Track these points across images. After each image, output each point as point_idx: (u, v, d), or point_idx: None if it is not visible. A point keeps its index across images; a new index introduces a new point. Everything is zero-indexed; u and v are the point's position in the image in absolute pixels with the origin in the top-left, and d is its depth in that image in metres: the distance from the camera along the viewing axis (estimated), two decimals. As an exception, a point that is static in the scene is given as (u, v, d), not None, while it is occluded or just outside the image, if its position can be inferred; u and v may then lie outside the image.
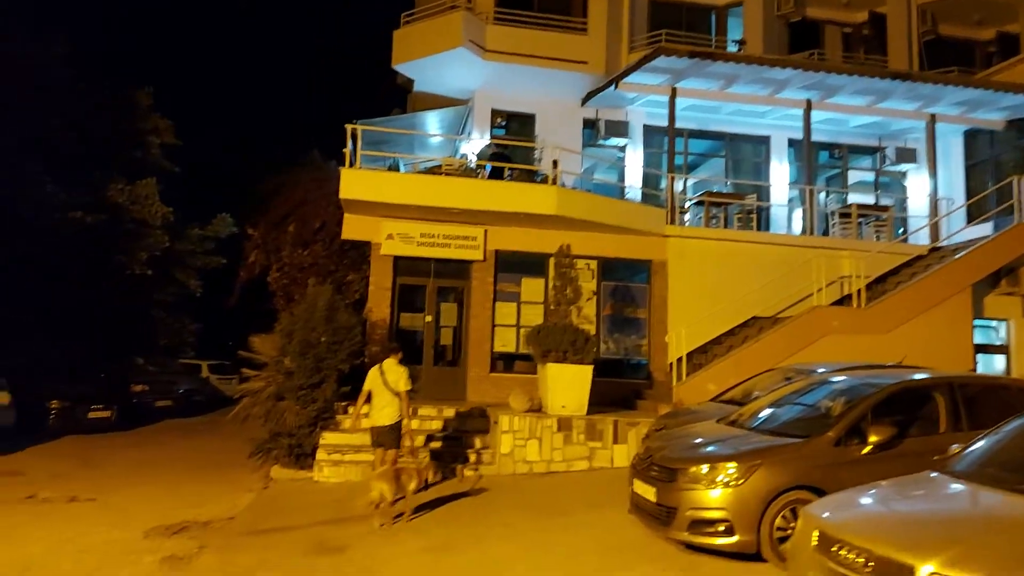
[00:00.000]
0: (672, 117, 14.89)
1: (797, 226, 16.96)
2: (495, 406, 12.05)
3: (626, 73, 14.36)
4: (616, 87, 14.80)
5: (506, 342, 13.92)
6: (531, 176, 13.34)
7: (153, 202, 20.01)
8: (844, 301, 13.91)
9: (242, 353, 11.53)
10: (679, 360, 12.32)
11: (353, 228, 13.53)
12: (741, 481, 5.79)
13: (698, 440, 6.71)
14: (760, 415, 7.11)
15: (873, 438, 5.89)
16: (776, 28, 17.08)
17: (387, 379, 8.32)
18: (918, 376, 6.92)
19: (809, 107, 15.20)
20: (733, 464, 5.87)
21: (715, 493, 5.86)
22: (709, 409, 9.60)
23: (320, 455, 10.27)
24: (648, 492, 6.33)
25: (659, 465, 6.33)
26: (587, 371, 10.75)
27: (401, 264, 13.62)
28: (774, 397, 7.56)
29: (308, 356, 10.57)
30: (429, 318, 13.70)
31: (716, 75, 14.29)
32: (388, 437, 8.31)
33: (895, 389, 6.40)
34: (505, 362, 13.95)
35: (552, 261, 13.89)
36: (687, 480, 5.98)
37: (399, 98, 23.34)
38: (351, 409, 11.16)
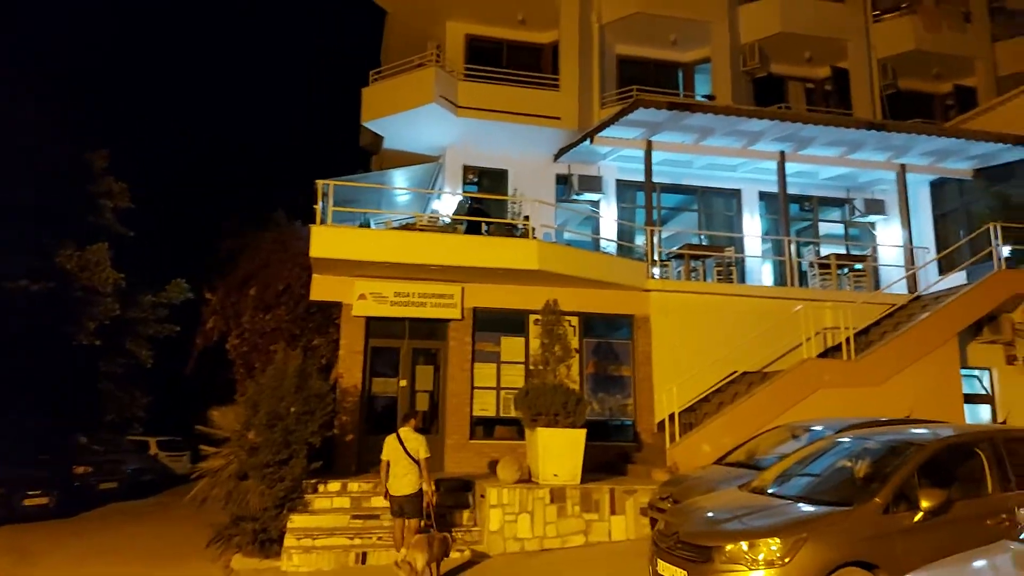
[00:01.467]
0: (648, 170, 14.71)
1: (769, 278, 16.82)
2: (478, 476, 11.20)
3: (602, 127, 14.17)
4: (591, 141, 14.59)
5: (486, 406, 13.14)
6: (510, 231, 12.84)
7: (104, 268, 18.92)
8: (829, 353, 13.58)
9: (200, 428, 10.51)
10: (671, 420, 11.68)
11: (322, 289, 12.76)
12: (787, 559, 5.11)
13: (725, 512, 6.02)
14: (784, 480, 6.49)
15: (925, 503, 5.30)
16: (743, 84, 17.26)
17: (407, 447, 8.38)
18: (955, 432, 6.40)
19: (783, 159, 15.19)
20: (776, 540, 5.20)
21: (758, 575, 5.16)
22: (714, 474, 8.95)
23: (288, 541, 9.23)
24: (677, 574, 5.59)
25: (689, 543, 5.61)
26: (580, 435, 10.03)
27: (374, 325, 12.85)
28: (794, 459, 6.96)
29: (276, 429, 9.64)
30: (404, 382, 12.86)
31: (691, 128, 14.19)
32: (412, 506, 8.39)
33: (940, 446, 5.87)
34: (485, 427, 13.13)
35: (532, 319, 13.34)
36: (724, 560, 5.27)
37: (363, 158, 22.98)
38: (322, 487, 10.24)
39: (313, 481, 10.27)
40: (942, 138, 14.46)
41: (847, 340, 12.59)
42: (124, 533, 12.66)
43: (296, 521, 9.54)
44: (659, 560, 5.91)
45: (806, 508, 5.58)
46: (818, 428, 9.26)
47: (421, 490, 8.34)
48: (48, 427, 16.94)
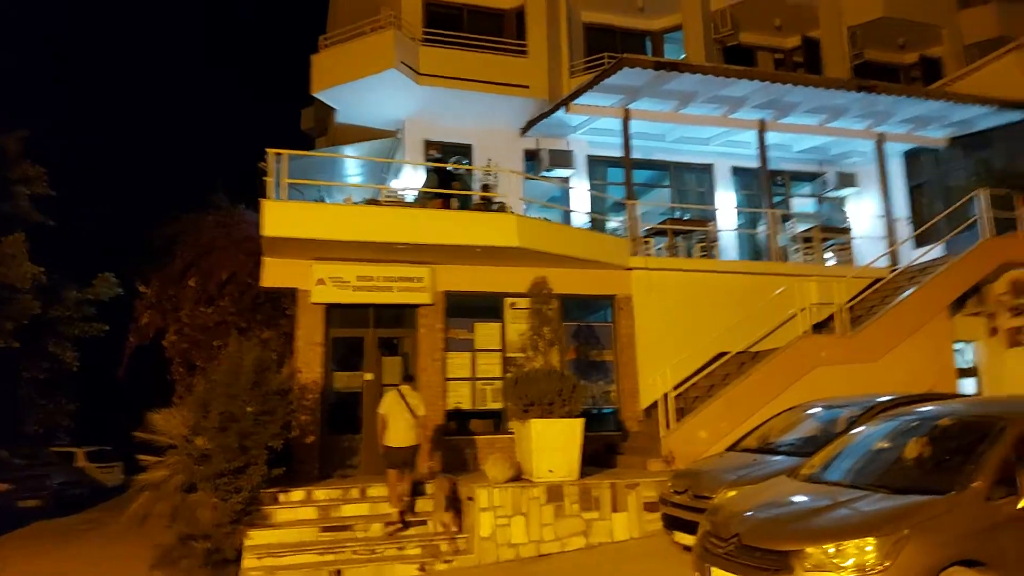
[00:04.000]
0: (627, 139, 13.78)
1: (745, 255, 16.17)
2: (460, 476, 10.09)
3: (578, 93, 13.14)
4: (567, 110, 13.56)
5: (461, 398, 12.02)
6: (485, 205, 11.71)
7: (21, 262, 16.91)
8: (817, 330, 12.95)
9: (139, 435, 9.06)
10: (665, 405, 10.81)
11: (275, 274, 11.36)
12: (886, 563, 4.19)
13: (790, 507, 5.10)
14: (842, 466, 5.62)
15: (1032, 487, 4.47)
16: (714, 53, 16.51)
17: (409, 403, 8.97)
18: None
19: (763, 127, 14.49)
20: (870, 540, 4.27)
21: (849, 585, 4.23)
22: (731, 462, 8.11)
23: (248, 561, 7.94)
24: (742, 587, 4.62)
25: (756, 548, 4.65)
26: (578, 426, 9.04)
27: (334, 314, 11.55)
28: (844, 442, 6.11)
29: (230, 432, 8.32)
30: (370, 376, 11.59)
31: (672, 94, 13.31)
32: (412, 457, 8.95)
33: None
34: (459, 422, 12.01)
35: (508, 302, 12.33)
36: (809, 568, 4.32)
37: (306, 144, 21.28)
38: (283, 497, 8.99)
39: (273, 490, 8.97)
40: (926, 102, 13.97)
41: (840, 315, 11.96)
42: (50, 557, 11.07)
43: (255, 537, 8.25)
44: (714, 569, 4.94)
45: (894, 499, 4.68)
46: (836, 408, 8.52)
47: (418, 445, 8.95)
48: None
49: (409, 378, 9.61)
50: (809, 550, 4.38)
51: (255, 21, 50.13)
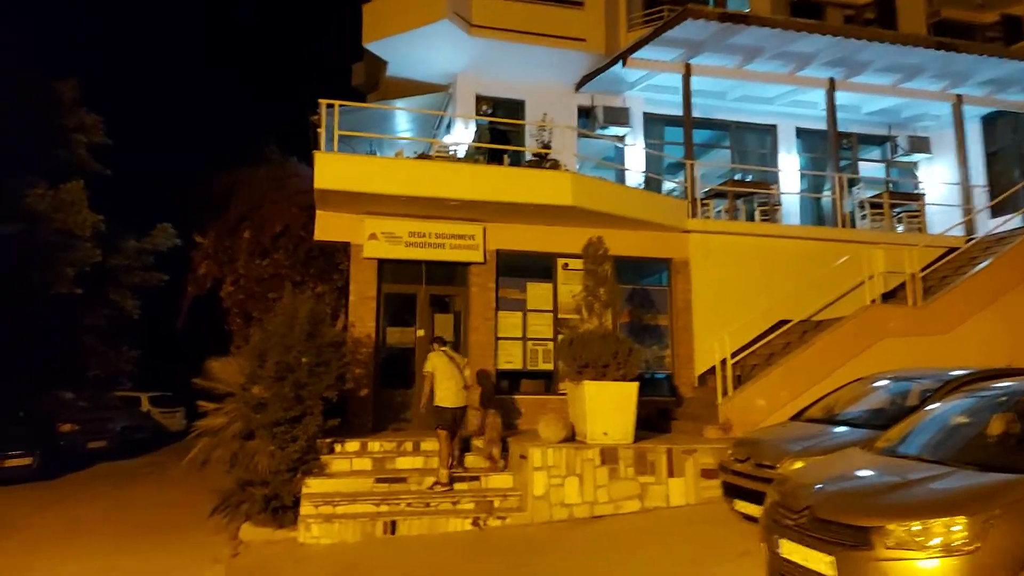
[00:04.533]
0: (687, 96, 13.30)
1: (808, 220, 15.59)
2: (510, 434, 10.08)
3: (638, 46, 12.67)
4: (624, 64, 13.10)
5: (512, 358, 11.95)
6: (538, 163, 11.45)
7: (80, 209, 17.30)
8: (885, 300, 12.45)
9: (198, 382, 9.22)
10: (723, 372, 10.55)
11: (328, 228, 11.37)
12: (976, 544, 3.96)
13: (868, 481, 4.88)
14: (923, 440, 5.36)
15: None
16: (781, 5, 15.71)
17: (458, 363, 8.99)
18: None
19: (832, 86, 13.82)
20: (961, 519, 4.04)
21: (931, 565, 4.02)
22: (795, 431, 7.86)
23: (306, 508, 8.07)
24: (817, 562, 4.45)
25: (832, 522, 4.45)
26: (633, 389, 8.88)
27: (387, 269, 11.53)
28: (922, 415, 5.83)
29: (286, 382, 8.39)
30: (421, 332, 11.60)
31: (736, 49, 12.75)
32: (463, 417, 9.13)
33: None
34: (510, 381, 11.98)
35: (560, 263, 12.16)
36: (891, 546, 4.11)
37: (358, 98, 21.17)
38: (339, 448, 9.08)
39: (329, 441, 9.07)
40: (1009, 62, 13.15)
41: (911, 284, 11.44)
42: (115, 499, 11.49)
43: (313, 486, 8.37)
44: (783, 541, 4.77)
45: (982, 477, 4.42)
46: (908, 380, 8.18)
47: (467, 406, 9.17)
48: (28, 382, 15.62)
49: (445, 341, 9.29)
50: (891, 527, 4.16)
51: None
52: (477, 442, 9.55)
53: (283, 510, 8.24)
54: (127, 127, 22.29)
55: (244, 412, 8.62)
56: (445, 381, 8.76)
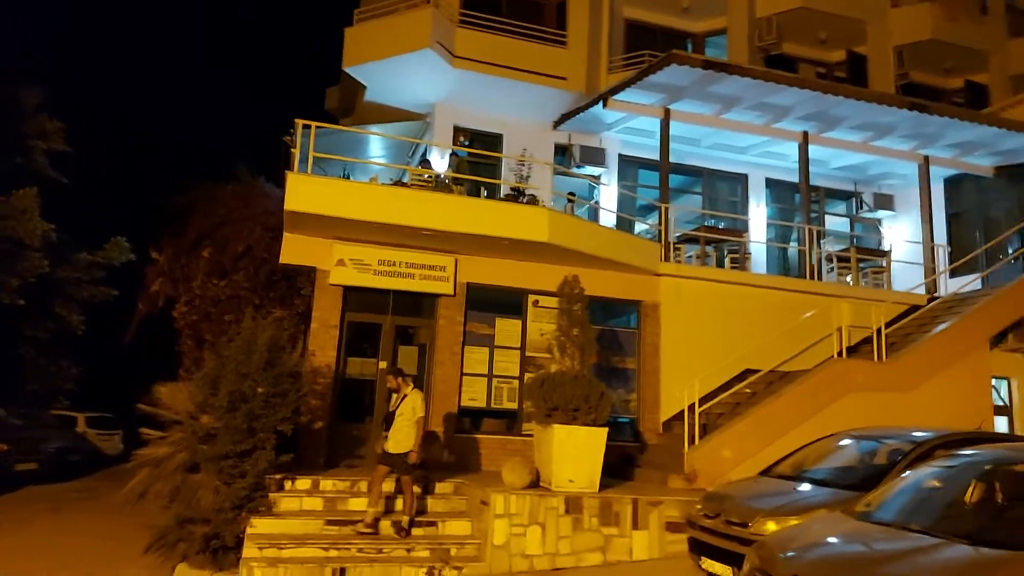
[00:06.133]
0: (665, 140, 13.33)
1: (774, 270, 15.71)
2: (470, 476, 9.70)
3: (619, 88, 12.69)
4: (604, 104, 13.10)
5: (476, 395, 11.57)
6: (516, 197, 11.27)
7: (32, 217, 16.51)
8: (848, 354, 12.48)
9: (143, 407, 8.66)
10: (690, 420, 10.38)
11: (294, 251, 10.97)
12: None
13: (853, 549, 4.66)
14: (902, 505, 5.19)
15: None
16: (757, 60, 16.02)
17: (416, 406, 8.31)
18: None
19: (806, 140, 14.01)
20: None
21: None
22: (766, 487, 7.65)
23: (249, 550, 7.52)
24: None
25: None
26: (602, 435, 8.63)
27: (352, 297, 11.13)
28: (902, 481, 5.66)
29: (239, 413, 7.91)
30: (384, 364, 11.18)
31: (715, 97, 12.85)
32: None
33: None
34: (472, 419, 11.59)
35: (531, 299, 11.92)
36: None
37: (330, 122, 20.83)
38: (289, 485, 8.59)
39: (278, 477, 8.56)
40: (976, 127, 13.46)
41: (877, 340, 11.48)
42: (44, 527, 10.70)
43: (258, 526, 7.84)
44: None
45: (977, 552, 4.21)
46: (877, 440, 8.09)
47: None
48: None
49: (402, 372, 8.74)
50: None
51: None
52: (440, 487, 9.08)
53: (224, 551, 7.70)
54: (91, 136, 21.54)
55: (191, 442, 8.12)
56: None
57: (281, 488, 8.57)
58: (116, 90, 36.83)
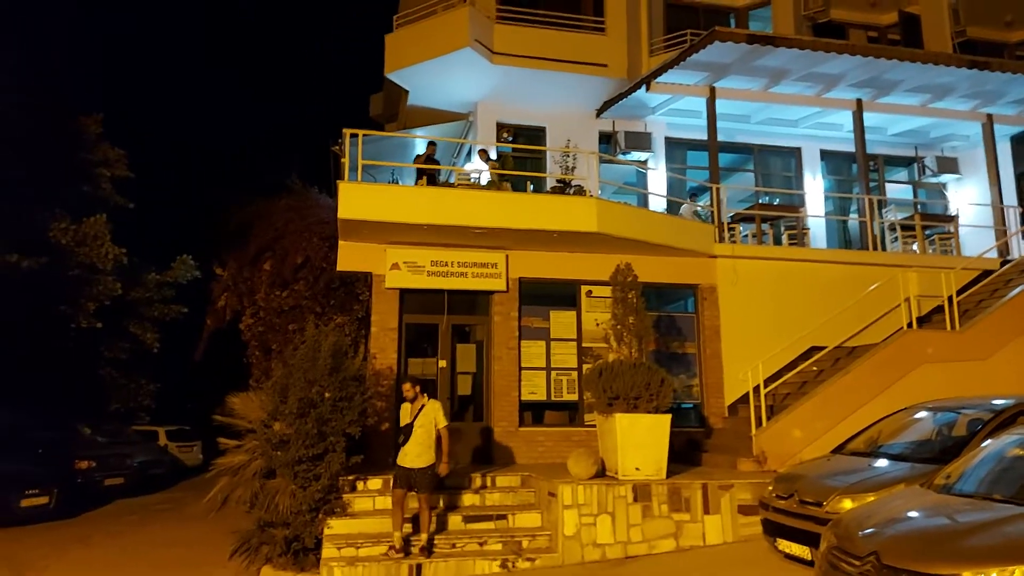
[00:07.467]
0: (712, 119, 13.10)
1: (834, 243, 15.26)
2: (536, 469, 9.76)
3: (662, 70, 12.52)
4: (648, 88, 12.95)
5: (535, 389, 11.63)
6: (562, 189, 11.27)
7: (103, 243, 17.28)
8: (919, 324, 12.05)
9: (218, 418, 9.01)
10: (756, 401, 10.18)
11: (350, 258, 11.23)
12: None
13: (934, 522, 4.53)
14: (984, 476, 5.01)
15: None
16: (804, 30, 15.57)
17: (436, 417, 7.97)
18: None
19: (860, 108, 13.56)
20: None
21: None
22: (840, 465, 7.48)
23: (327, 551, 7.77)
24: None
25: (900, 568, 4.11)
26: (666, 421, 8.57)
27: (408, 299, 11.33)
28: (981, 452, 5.46)
29: (308, 419, 8.15)
30: (443, 363, 11.36)
31: (762, 71, 12.56)
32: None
33: None
34: (534, 413, 11.65)
35: (584, 290, 11.89)
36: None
37: (376, 129, 21.23)
38: (361, 485, 8.81)
39: (351, 478, 8.81)
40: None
41: (949, 308, 11.05)
42: (134, 538, 11.22)
43: (335, 527, 8.09)
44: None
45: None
46: (954, 411, 7.82)
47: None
48: (46, 418, 15.49)
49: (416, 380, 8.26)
50: (968, 575, 3.82)
51: (328, 4, 50.51)
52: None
53: (304, 552, 7.97)
54: (148, 159, 22.47)
55: (265, 449, 8.40)
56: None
57: (354, 489, 8.80)
58: (169, 114, 38.33)
